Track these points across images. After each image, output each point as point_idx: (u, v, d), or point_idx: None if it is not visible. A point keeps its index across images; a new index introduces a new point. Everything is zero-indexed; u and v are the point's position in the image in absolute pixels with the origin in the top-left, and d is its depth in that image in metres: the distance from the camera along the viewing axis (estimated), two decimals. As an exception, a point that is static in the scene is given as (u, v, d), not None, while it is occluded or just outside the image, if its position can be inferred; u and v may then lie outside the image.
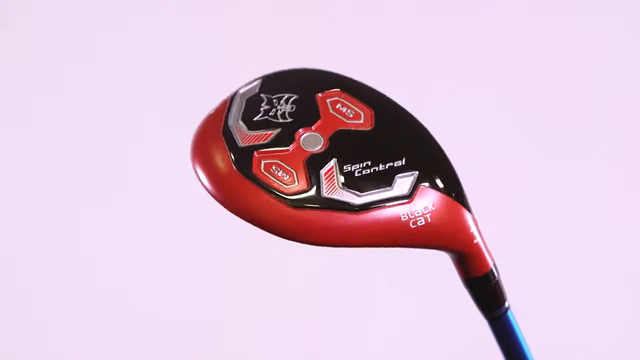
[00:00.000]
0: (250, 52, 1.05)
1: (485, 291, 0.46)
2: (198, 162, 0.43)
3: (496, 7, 1.07)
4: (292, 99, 0.43)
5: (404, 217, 0.41)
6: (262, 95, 0.44)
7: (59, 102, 1.05)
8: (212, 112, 0.44)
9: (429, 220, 0.42)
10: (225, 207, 0.42)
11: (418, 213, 0.42)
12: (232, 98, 0.44)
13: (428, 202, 0.42)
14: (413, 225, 0.42)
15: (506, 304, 0.47)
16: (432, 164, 0.43)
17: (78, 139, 1.04)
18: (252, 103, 0.43)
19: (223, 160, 0.42)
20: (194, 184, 0.42)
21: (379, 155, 0.42)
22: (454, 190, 0.43)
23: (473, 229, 0.44)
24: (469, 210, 0.44)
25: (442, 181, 0.43)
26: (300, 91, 0.44)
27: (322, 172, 0.42)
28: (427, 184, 0.42)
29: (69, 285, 1.04)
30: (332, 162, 0.42)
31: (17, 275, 1.04)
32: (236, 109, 0.43)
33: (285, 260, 1.03)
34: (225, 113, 0.43)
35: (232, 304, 1.04)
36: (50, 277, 1.03)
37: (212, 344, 1.05)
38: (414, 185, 0.42)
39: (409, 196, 0.41)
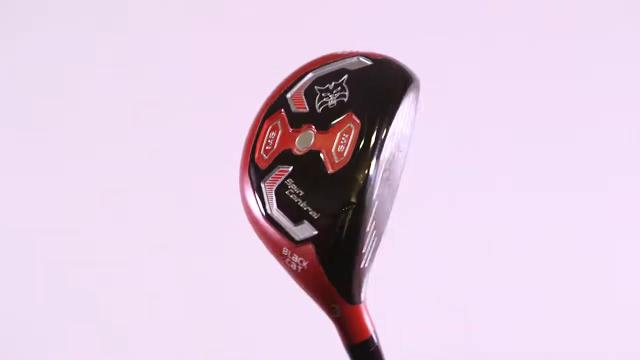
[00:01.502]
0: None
1: (364, 357, 0.48)
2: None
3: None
4: (342, 99, 0.46)
5: (285, 252, 0.45)
6: (345, 75, 0.47)
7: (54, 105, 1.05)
8: (336, 53, 0.48)
9: (299, 271, 0.45)
10: None
11: (294, 259, 0.45)
12: (343, 57, 0.48)
13: (304, 259, 0.45)
14: (288, 263, 0.45)
15: None
16: (334, 243, 0.44)
17: (73, 145, 1.04)
18: (333, 75, 0.47)
19: (272, 96, 0.48)
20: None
21: (311, 196, 0.45)
22: (333, 276, 0.45)
23: (336, 309, 0.46)
24: (346, 297, 0.45)
25: (327, 261, 0.44)
26: (353, 97, 0.46)
27: (278, 169, 0.46)
28: (313, 248, 0.44)
29: (63, 286, 1.04)
30: (289, 168, 0.46)
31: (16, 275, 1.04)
32: (328, 69, 0.48)
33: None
34: (325, 63, 0.48)
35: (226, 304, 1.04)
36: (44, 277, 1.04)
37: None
38: (305, 239, 0.44)
39: (296, 243, 0.44)
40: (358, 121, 0.45)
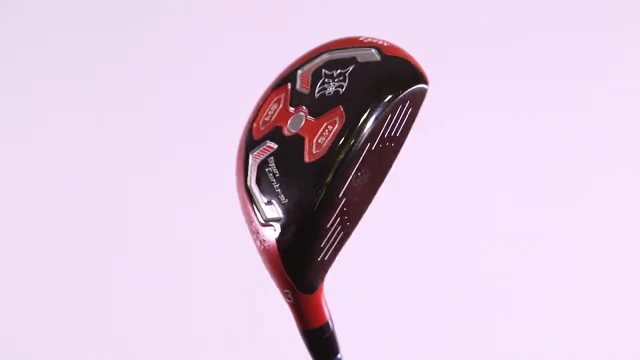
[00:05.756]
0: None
1: (319, 343, 0.49)
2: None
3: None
4: (339, 90, 0.46)
5: (254, 228, 0.46)
6: (352, 65, 0.46)
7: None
8: (358, 38, 0.48)
9: (262, 249, 0.46)
10: None
11: (260, 237, 0.46)
12: (361, 45, 0.47)
13: (267, 239, 0.45)
14: (255, 239, 0.46)
15: (338, 356, 0.50)
16: (293, 232, 0.44)
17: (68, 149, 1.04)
18: (342, 62, 0.47)
19: (287, 69, 0.49)
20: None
21: (285, 180, 0.45)
22: (288, 263, 0.45)
23: (289, 294, 0.46)
24: (298, 286, 0.46)
25: (284, 248, 0.45)
26: (350, 90, 0.45)
27: (266, 144, 0.47)
28: (276, 232, 0.45)
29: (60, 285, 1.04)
30: (275, 146, 0.46)
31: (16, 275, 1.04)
32: (341, 55, 0.47)
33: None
34: (343, 47, 0.47)
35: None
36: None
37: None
38: (271, 220, 0.45)
39: (264, 222, 0.45)
40: (344, 117, 0.44)
